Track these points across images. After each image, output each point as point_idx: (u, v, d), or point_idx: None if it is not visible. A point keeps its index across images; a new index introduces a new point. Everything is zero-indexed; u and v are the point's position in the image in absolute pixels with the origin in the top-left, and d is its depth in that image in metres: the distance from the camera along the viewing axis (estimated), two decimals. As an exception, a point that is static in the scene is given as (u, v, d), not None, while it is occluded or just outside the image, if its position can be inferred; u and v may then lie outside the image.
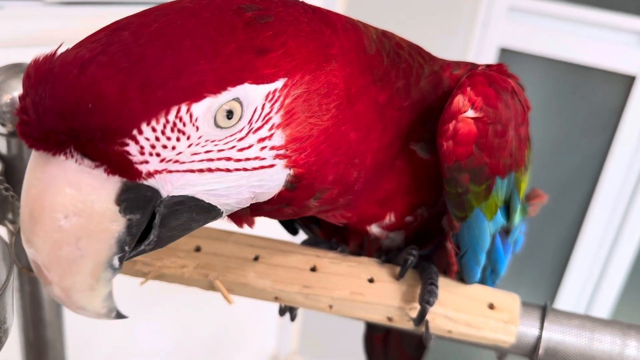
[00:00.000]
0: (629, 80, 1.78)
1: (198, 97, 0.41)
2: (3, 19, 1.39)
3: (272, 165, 0.48)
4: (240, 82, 0.43)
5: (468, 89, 0.58)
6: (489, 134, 0.58)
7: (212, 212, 0.49)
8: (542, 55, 1.84)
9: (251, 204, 0.51)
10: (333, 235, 0.81)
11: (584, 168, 1.91)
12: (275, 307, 2.47)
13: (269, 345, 2.68)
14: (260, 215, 0.57)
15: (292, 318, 0.79)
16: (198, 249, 0.70)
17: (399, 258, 0.70)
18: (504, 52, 1.89)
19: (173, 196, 0.45)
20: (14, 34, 1.41)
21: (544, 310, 0.70)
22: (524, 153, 0.68)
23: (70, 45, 0.43)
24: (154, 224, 0.45)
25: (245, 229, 0.72)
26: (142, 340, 2.04)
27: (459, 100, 0.57)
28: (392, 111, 0.57)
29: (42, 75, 0.40)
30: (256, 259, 0.70)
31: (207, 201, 0.47)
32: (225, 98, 0.42)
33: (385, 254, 0.74)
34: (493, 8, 1.83)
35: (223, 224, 0.72)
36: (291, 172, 0.49)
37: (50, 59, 0.41)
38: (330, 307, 0.68)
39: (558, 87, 1.87)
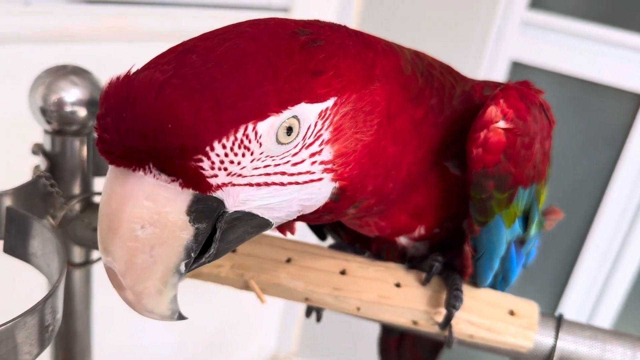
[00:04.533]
0: (637, 98, 1.81)
1: (263, 116, 0.45)
2: (30, 15, 1.42)
3: (320, 179, 0.51)
4: (298, 102, 0.46)
5: (501, 101, 0.61)
6: (517, 145, 0.62)
7: (264, 225, 0.52)
8: (553, 69, 1.87)
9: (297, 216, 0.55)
10: (356, 240, 0.84)
11: (590, 182, 1.94)
12: (277, 308, 2.52)
13: (269, 345, 2.70)
14: (300, 221, 0.60)
15: (318, 319, 0.82)
16: (234, 250, 0.73)
17: (425, 264, 0.73)
18: (516, 65, 1.93)
19: (233, 212, 0.49)
20: (39, 30, 1.44)
21: (559, 321, 0.73)
22: (545, 166, 0.71)
23: (140, 66, 0.46)
24: (215, 238, 0.49)
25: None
26: (149, 335, 2.07)
27: (492, 110, 0.61)
28: (427, 127, 0.61)
29: (122, 96, 0.42)
30: (288, 261, 0.72)
31: (261, 215, 0.51)
32: (285, 116, 0.46)
33: (409, 261, 0.77)
34: (507, 22, 1.86)
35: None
36: (336, 184, 0.53)
37: (127, 80, 0.43)
38: (358, 309, 0.71)
39: (567, 101, 1.91)
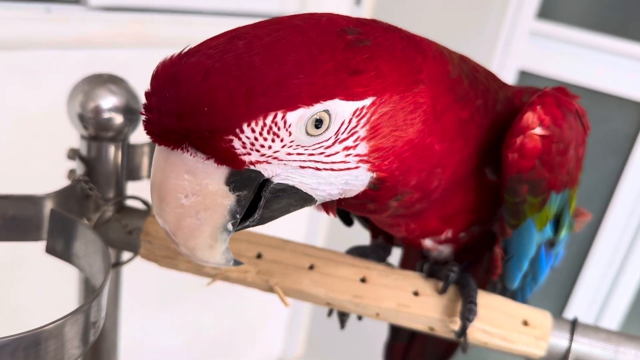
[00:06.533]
0: (643, 108, 1.84)
1: (293, 106, 0.47)
2: (50, 22, 1.46)
3: (356, 168, 0.54)
4: (332, 98, 0.48)
5: (538, 107, 0.63)
6: (552, 151, 0.64)
7: (307, 199, 0.55)
8: (560, 79, 1.90)
9: (340, 197, 0.58)
10: (380, 233, 0.86)
11: (597, 190, 1.97)
12: (283, 311, 2.54)
13: (275, 348, 2.72)
14: (346, 207, 0.63)
15: (342, 326, 0.84)
16: (259, 256, 0.75)
17: (441, 274, 0.75)
18: (523, 74, 1.96)
19: (278, 184, 0.52)
20: (59, 36, 1.48)
21: (574, 324, 0.76)
22: (578, 172, 0.73)
23: (192, 45, 0.49)
24: (259, 205, 0.52)
25: (301, 238, 0.79)
26: (155, 337, 2.09)
27: (529, 117, 0.63)
28: (473, 128, 0.63)
29: (169, 77, 0.46)
30: (311, 267, 0.75)
31: (304, 191, 0.54)
32: (316, 109, 0.48)
33: (430, 265, 0.79)
34: (515, 31, 1.89)
35: (281, 232, 0.78)
36: (374, 175, 0.55)
37: (177, 62, 0.47)
38: (377, 315, 0.74)
39: (574, 110, 1.93)
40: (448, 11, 1.99)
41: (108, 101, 0.74)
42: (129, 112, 0.76)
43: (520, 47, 1.91)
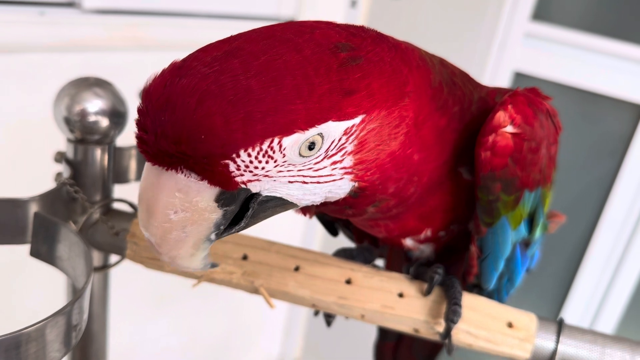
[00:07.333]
0: (638, 108, 1.84)
1: (289, 132, 0.47)
2: (44, 25, 1.46)
3: (341, 179, 0.55)
4: (325, 121, 0.49)
5: (509, 106, 0.64)
6: (524, 149, 0.64)
7: (290, 206, 0.57)
8: (555, 80, 1.90)
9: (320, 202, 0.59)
10: (365, 237, 0.87)
11: (592, 192, 1.97)
12: (281, 313, 2.55)
13: (273, 351, 2.72)
14: (325, 211, 0.64)
15: (329, 324, 0.85)
16: (245, 257, 0.76)
17: (426, 275, 0.75)
18: (518, 76, 1.96)
19: (265, 196, 0.53)
20: (53, 39, 1.48)
21: (560, 326, 0.76)
22: (551, 171, 0.74)
23: (184, 59, 0.48)
24: (246, 215, 0.53)
25: (287, 240, 0.79)
26: (152, 340, 2.09)
27: (500, 116, 0.64)
28: (449, 134, 0.63)
29: (163, 99, 0.46)
30: (297, 269, 0.75)
31: (289, 200, 0.55)
32: (311, 133, 0.49)
33: (413, 265, 0.79)
34: (510, 33, 1.89)
35: (278, 237, 0.79)
36: (356, 184, 0.56)
37: (169, 81, 0.46)
38: (363, 316, 0.74)
39: (569, 112, 1.94)
40: (443, 13, 1.99)
41: (94, 104, 0.74)
42: (115, 115, 0.76)
43: (516, 49, 1.91)
